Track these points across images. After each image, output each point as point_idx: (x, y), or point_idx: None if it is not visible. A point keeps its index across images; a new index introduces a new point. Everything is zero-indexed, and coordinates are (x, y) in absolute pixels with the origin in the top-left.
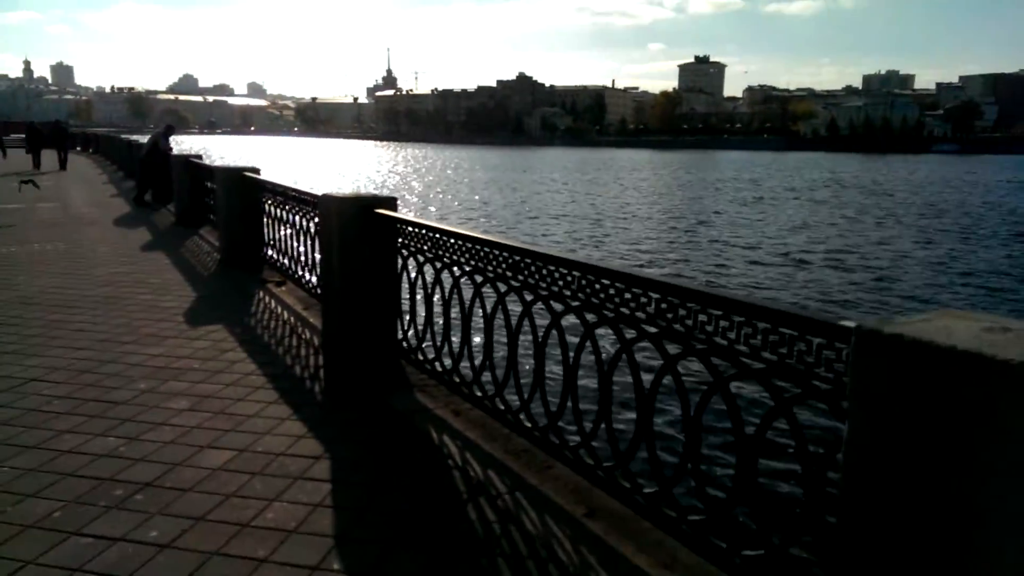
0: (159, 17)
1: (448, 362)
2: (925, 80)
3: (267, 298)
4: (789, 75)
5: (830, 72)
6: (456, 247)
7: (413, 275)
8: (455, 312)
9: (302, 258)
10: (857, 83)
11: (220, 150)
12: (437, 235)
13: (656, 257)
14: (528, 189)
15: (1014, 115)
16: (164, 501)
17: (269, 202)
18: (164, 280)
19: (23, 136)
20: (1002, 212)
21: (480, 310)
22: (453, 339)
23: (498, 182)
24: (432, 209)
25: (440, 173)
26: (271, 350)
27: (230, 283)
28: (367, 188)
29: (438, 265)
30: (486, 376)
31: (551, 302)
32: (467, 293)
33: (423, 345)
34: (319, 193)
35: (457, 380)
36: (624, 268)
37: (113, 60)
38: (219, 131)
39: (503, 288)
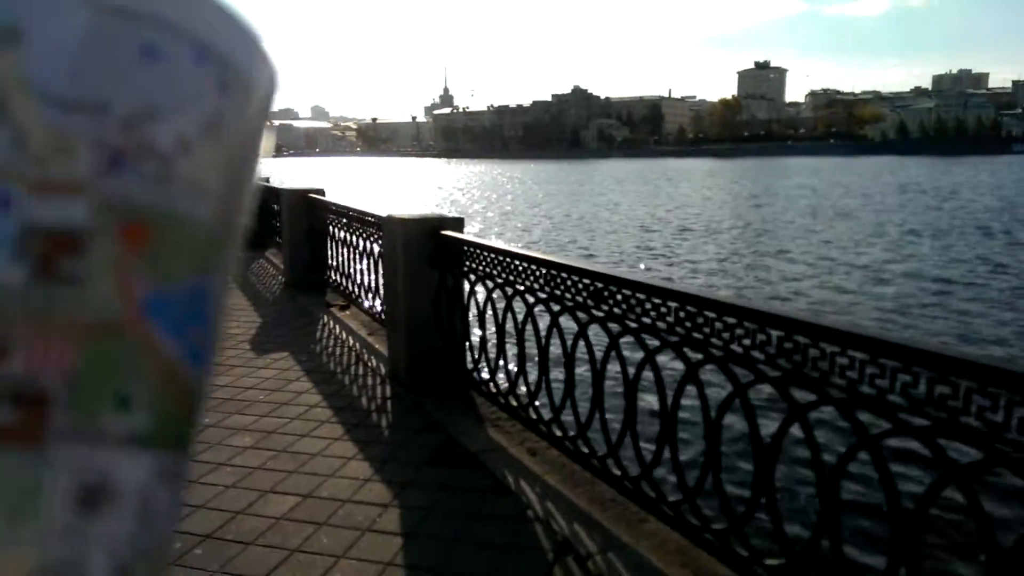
0: None
1: (523, 395)
2: (1000, 78)
3: (331, 323)
4: (854, 78)
5: (897, 73)
6: (529, 272)
7: (482, 301)
8: (530, 342)
9: (366, 281)
10: (926, 84)
11: (286, 172)
12: (508, 259)
13: (751, 281)
14: (588, 202)
15: None
16: (225, 556)
17: (333, 223)
18: (230, 304)
19: None
20: None
21: (558, 341)
22: (529, 372)
23: (556, 195)
24: (494, 228)
25: (499, 188)
26: (337, 379)
27: (295, 307)
28: (427, 206)
29: (510, 291)
30: (566, 415)
31: (642, 335)
32: (543, 322)
33: (496, 376)
34: (383, 214)
35: (534, 417)
36: (733, 299)
37: None
38: (285, 154)
39: (584, 318)
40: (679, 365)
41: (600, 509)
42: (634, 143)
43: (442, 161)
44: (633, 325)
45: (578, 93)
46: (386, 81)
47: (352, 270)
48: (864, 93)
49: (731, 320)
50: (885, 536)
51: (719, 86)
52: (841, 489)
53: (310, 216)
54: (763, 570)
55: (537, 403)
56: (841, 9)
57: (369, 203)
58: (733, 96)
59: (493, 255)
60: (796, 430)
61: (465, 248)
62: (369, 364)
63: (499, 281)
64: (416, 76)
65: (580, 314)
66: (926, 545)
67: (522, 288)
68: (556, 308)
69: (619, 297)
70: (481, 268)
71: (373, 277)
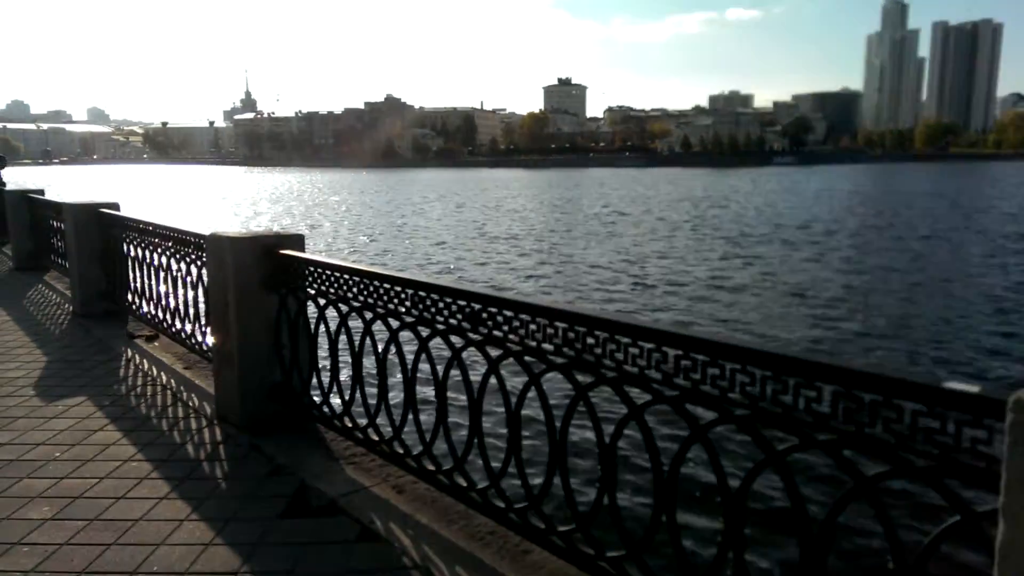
0: None
1: (384, 427)
2: (763, 99)
3: (138, 357)
4: (644, 95)
5: (679, 92)
6: (391, 293)
7: (333, 326)
8: (394, 372)
9: (180, 308)
10: (703, 102)
11: (60, 182)
12: (364, 279)
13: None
14: (422, 214)
15: (839, 129)
16: None
17: (135, 242)
18: (4, 343)
19: None
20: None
21: (427, 367)
22: (392, 402)
23: (384, 206)
24: (323, 243)
25: (317, 199)
26: (152, 425)
27: (89, 340)
28: (242, 219)
29: (368, 315)
30: (437, 445)
31: (525, 358)
32: (408, 347)
33: (350, 409)
34: (204, 232)
35: (400, 451)
36: (628, 319)
37: None
38: (56, 161)
39: (458, 342)
40: (566, 387)
41: (480, 545)
42: (449, 153)
43: (244, 169)
44: (516, 348)
45: (391, 101)
46: (178, 84)
47: (160, 295)
48: (654, 110)
49: (625, 340)
50: (794, 556)
51: (527, 100)
52: (747, 507)
53: (103, 235)
54: None
55: (403, 436)
56: (634, 33)
57: (167, 217)
58: (540, 110)
59: (346, 276)
60: (697, 450)
61: (311, 268)
62: (191, 404)
63: (355, 304)
64: (213, 80)
65: (454, 338)
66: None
67: (383, 311)
68: (425, 332)
69: (500, 319)
70: (331, 290)
71: (190, 301)
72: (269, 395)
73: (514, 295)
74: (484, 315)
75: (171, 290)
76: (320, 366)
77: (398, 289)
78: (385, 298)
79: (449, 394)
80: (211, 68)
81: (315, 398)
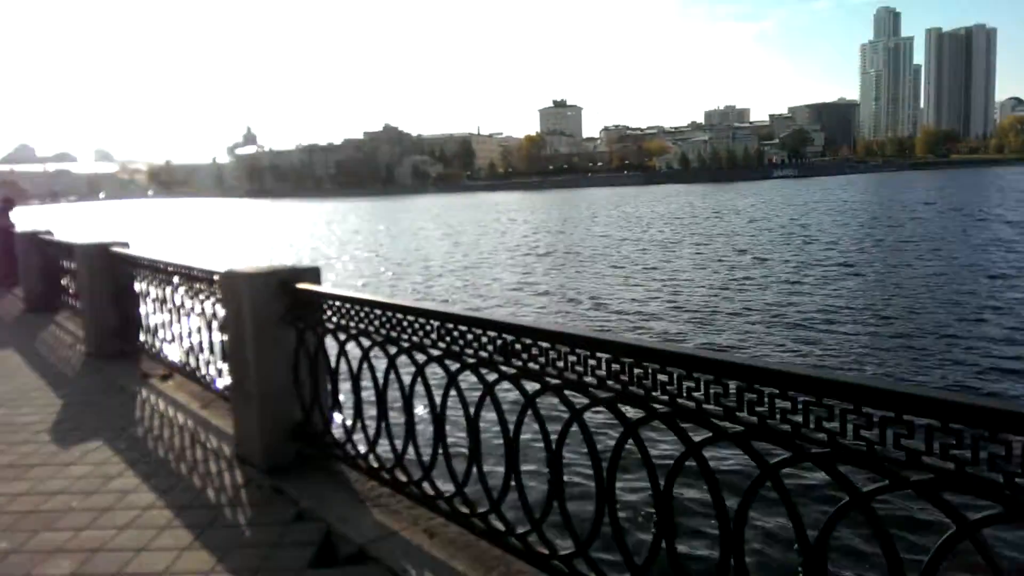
0: None
1: (413, 466)
2: (759, 113)
3: (153, 397)
4: (640, 113)
5: (674, 109)
6: (416, 326)
7: (355, 362)
8: (421, 408)
9: (195, 346)
10: (699, 119)
11: (69, 221)
12: (387, 312)
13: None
14: (432, 241)
15: (837, 140)
16: None
17: (147, 280)
18: (18, 386)
19: None
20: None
21: (457, 403)
22: (420, 440)
23: (391, 233)
24: (336, 271)
25: (324, 229)
26: (171, 469)
27: (103, 381)
28: (249, 252)
29: (392, 349)
30: (471, 486)
31: (565, 392)
32: (437, 382)
33: (375, 448)
34: (218, 268)
35: (431, 492)
36: (677, 348)
37: None
38: (63, 200)
39: (491, 376)
40: (612, 423)
41: None
42: (448, 179)
43: (247, 201)
44: (555, 381)
45: (390, 130)
46: (180, 123)
47: (175, 332)
48: (650, 128)
49: (678, 371)
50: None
51: (523, 123)
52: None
53: (115, 274)
54: None
55: (433, 476)
56: (625, 51)
57: (178, 253)
58: (537, 132)
59: (367, 308)
60: (766, 490)
61: (329, 302)
62: (209, 445)
63: (377, 338)
64: (215, 118)
65: (485, 371)
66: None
67: (407, 345)
68: (454, 366)
69: (535, 351)
70: (352, 324)
71: (204, 339)
72: (290, 435)
73: (550, 324)
74: (518, 346)
75: (185, 328)
76: (342, 403)
77: (423, 321)
78: (409, 331)
79: (482, 431)
80: (213, 106)
81: (338, 436)
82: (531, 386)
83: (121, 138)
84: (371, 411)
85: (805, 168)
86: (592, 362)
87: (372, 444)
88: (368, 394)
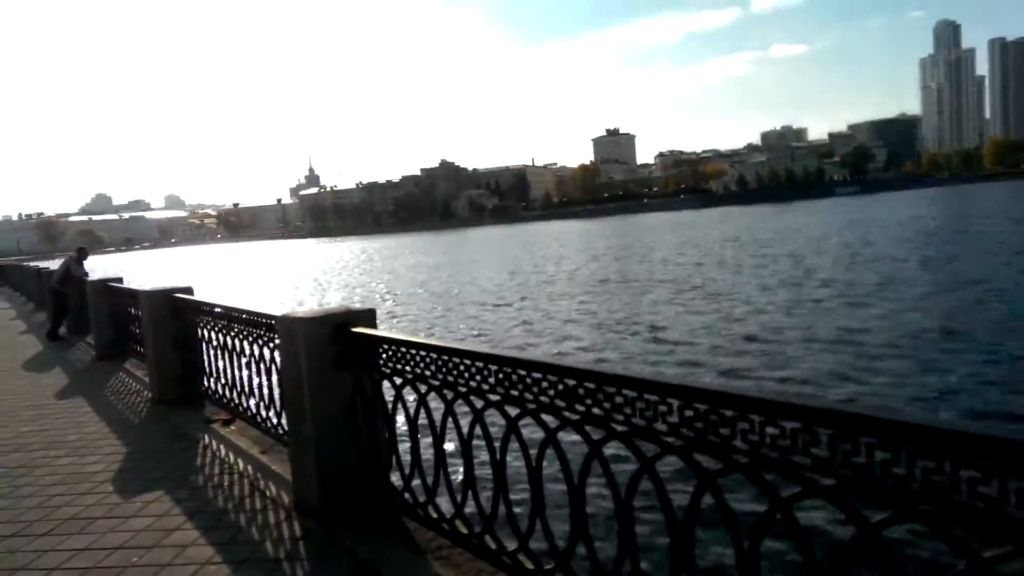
0: (67, 138)
1: (474, 517)
2: (817, 132)
3: (215, 443)
4: (694, 139)
5: (729, 133)
6: (474, 371)
7: (412, 407)
8: (480, 455)
9: (255, 391)
10: (756, 140)
11: (140, 267)
12: (443, 356)
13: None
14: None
15: (900, 155)
16: None
17: (208, 326)
18: (85, 435)
19: None
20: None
21: (519, 451)
22: (481, 490)
23: (451, 267)
24: (398, 313)
25: (385, 267)
26: (230, 520)
27: (167, 428)
28: (312, 294)
29: (449, 394)
30: (535, 537)
31: (634, 440)
32: (497, 429)
33: (434, 498)
34: (273, 312)
35: (493, 546)
36: (759, 394)
37: (20, 187)
38: (137, 247)
39: (553, 423)
40: (687, 474)
41: None
42: (504, 210)
43: (311, 241)
44: (621, 428)
45: (446, 166)
46: (247, 167)
47: (236, 378)
48: (705, 152)
49: (758, 418)
50: None
51: (577, 153)
52: None
53: (178, 320)
54: None
55: (495, 527)
56: (678, 79)
57: (242, 297)
58: (591, 161)
59: (422, 352)
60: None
61: (384, 346)
62: (268, 493)
63: (434, 383)
64: (279, 160)
65: (547, 417)
66: None
67: (464, 390)
68: (514, 412)
69: (600, 396)
70: (407, 369)
71: (264, 383)
72: (347, 482)
73: (614, 368)
74: (581, 391)
75: (245, 373)
76: (400, 451)
77: (480, 365)
78: (466, 375)
79: (545, 480)
80: (277, 149)
81: (396, 485)
82: (596, 433)
83: (191, 183)
84: (429, 459)
85: (868, 185)
86: (663, 408)
87: (431, 493)
88: (426, 442)
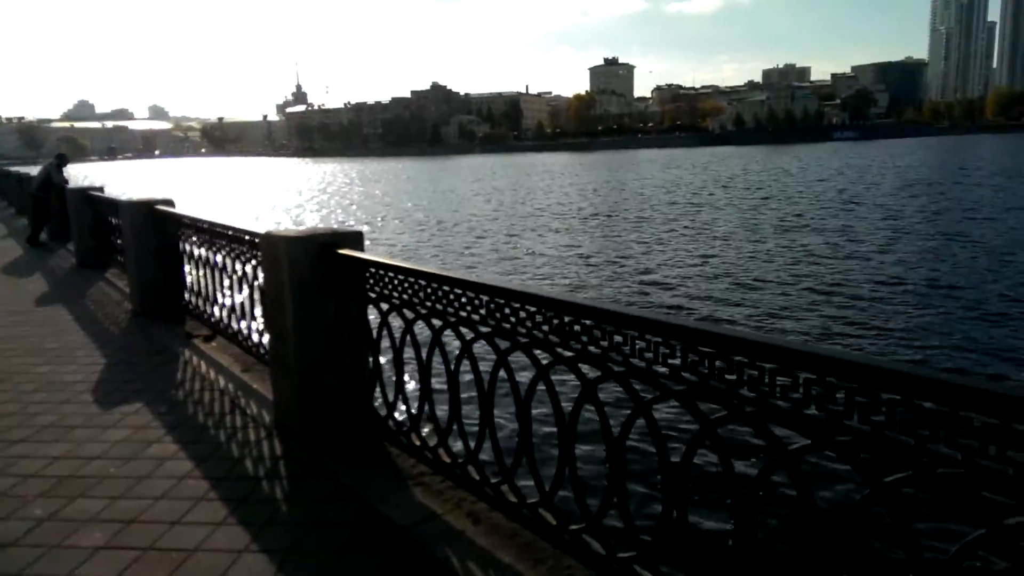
0: (50, 42)
1: (458, 448)
2: (820, 72)
3: (195, 359)
4: (693, 73)
5: (730, 69)
6: (463, 300)
7: (398, 334)
8: (467, 387)
9: (236, 309)
10: (757, 78)
11: (123, 178)
12: (432, 283)
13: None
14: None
15: (903, 101)
16: None
17: (189, 240)
18: (65, 343)
19: None
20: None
21: (507, 384)
22: (466, 420)
23: (437, 195)
24: (385, 235)
25: (370, 189)
26: (210, 436)
27: (147, 341)
28: (296, 212)
29: (437, 323)
30: (520, 473)
31: (630, 380)
32: (485, 363)
33: (418, 426)
34: (258, 230)
35: (476, 477)
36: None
37: (1, 90)
38: (120, 157)
39: (545, 357)
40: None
41: None
42: (495, 138)
43: (296, 160)
44: (619, 369)
45: (437, 89)
46: (232, 80)
47: (217, 293)
48: (704, 88)
49: (770, 366)
50: None
51: (572, 82)
52: None
53: (159, 232)
54: None
55: (479, 458)
56: (679, 7)
57: (226, 210)
58: (587, 91)
59: (411, 279)
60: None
61: (371, 270)
62: (249, 411)
63: (422, 311)
64: (265, 74)
65: (539, 352)
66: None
67: (453, 319)
68: (504, 345)
69: (597, 333)
70: (395, 295)
71: (247, 301)
72: (329, 405)
73: (611, 305)
74: (577, 328)
75: (227, 290)
76: (385, 377)
77: (472, 295)
78: (457, 305)
79: (535, 416)
80: (264, 63)
81: (379, 411)
82: (592, 373)
83: (176, 94)
84: (414, 387)
85: (867, 130)
86: (664, 350)
87: (415, 421)
88: (411, 369)
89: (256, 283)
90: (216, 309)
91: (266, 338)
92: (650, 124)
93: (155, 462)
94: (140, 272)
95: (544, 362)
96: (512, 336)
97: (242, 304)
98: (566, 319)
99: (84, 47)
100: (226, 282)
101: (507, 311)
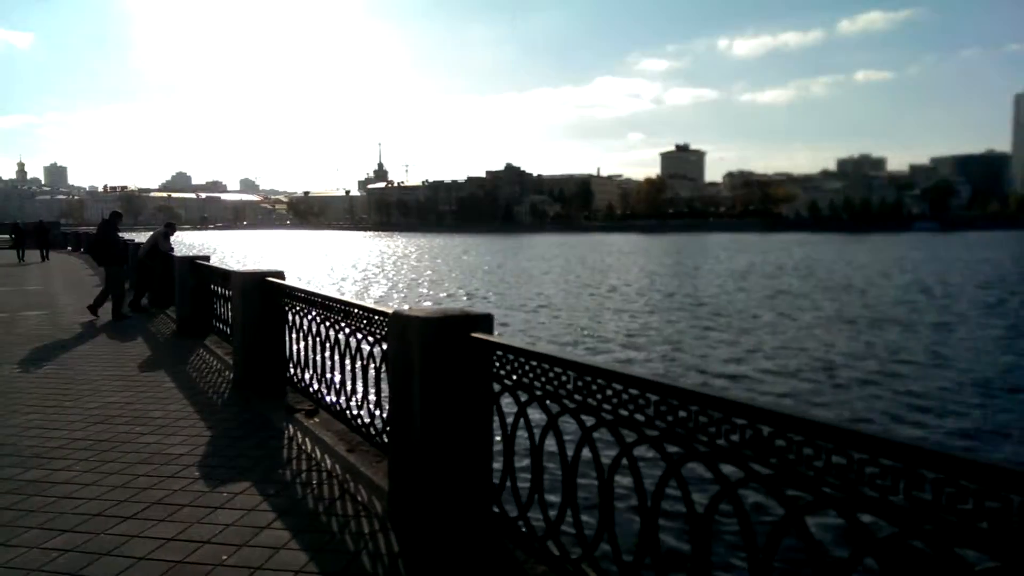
0: (151, 118)
1: (611, 567)
2: (897, 163)
3: (299, 435)
4: (765, 160)
5: (803, 157)
6: (626, 398)
7: (538, 428)
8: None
9: (347, 385)
10: (831, 167)
11: (215, 245)
12: (587, 377)
13: None
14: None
15: (985, 193)
16: None
17: (300, 314)
18: (169, 413)
19: (10, 235)
20: None
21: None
22: (620, 534)
23: (531, 270)
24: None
25: (460, 263)
26: (321, 524)
27: (250, 414)
28: (381, 283)
29: (589, 421)
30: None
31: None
32: (648, 471)
33: (559, 531)
34: (386, 308)
35: None
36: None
37: (106, 161)
38: (211, 226)
39: (734, 474)
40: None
41: None
42: (565, 218)
43: (376, 234)
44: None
45: (511, 170)
46: (319, 157)
47: (325, 369)
48: (776, 175)
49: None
50: None
51: (643, 167)
52: None
53: (268, 303)
54: None
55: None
56: (752, 97)
57: (310, 276)
58: (658, 175)
59: (557, 368)
60: None
61: (509, 356)
62: (359, 498)
63: (570, 405)
64: (349, 152)
65: (725, 467)
66: None
67: (611, 418)
68: (672, 450)
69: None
70: (537, 384)
71: (360, 379)
72: (452, 498)
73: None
74: (779, 442)
75: (337, 365)
76: (517, 471)
77: (634, 392)
78: (615, 401)
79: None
80: (350, 142)
81: (508, 509)
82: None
83: (266, 168)
84: (526, 473)
85: (949, 222)
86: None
87: (554, 528)
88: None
89: (372, 360)
90: (322, 384)
91: (377, 419)
92: (721, 208)
93: (268, 552)
94: (245, 343)
95: (733, 479)
96: (689, 443)
97: (353, 380)
98: (765, 429)
99: (183, 121)
100: (337, 357)
101: (681, 414)
